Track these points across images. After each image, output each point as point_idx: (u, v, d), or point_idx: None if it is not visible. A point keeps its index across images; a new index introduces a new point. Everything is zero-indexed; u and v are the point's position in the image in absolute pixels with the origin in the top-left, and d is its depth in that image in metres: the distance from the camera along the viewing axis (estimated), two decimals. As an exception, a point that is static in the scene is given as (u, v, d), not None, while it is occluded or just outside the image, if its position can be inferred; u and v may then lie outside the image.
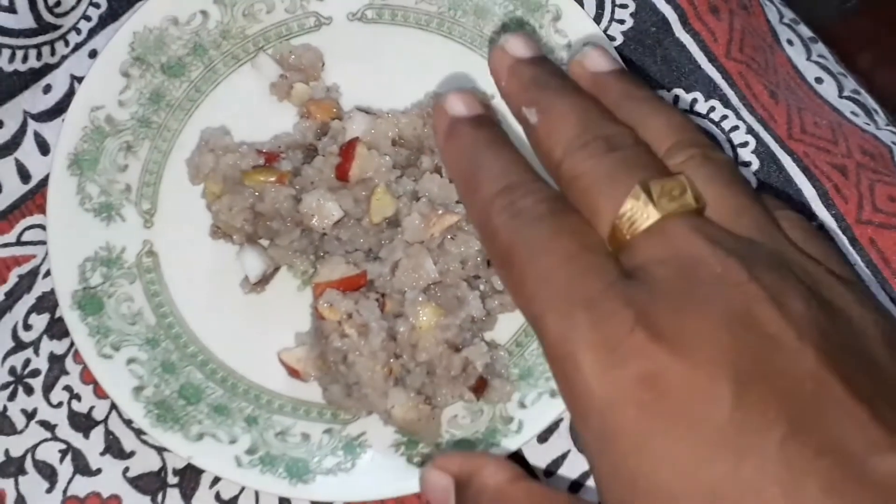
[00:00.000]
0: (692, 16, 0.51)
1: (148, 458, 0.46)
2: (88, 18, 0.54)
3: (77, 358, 0.47)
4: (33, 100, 0.52)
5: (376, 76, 0.51)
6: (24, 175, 0.51)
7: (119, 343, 0.45)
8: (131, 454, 0.46)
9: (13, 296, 0.49)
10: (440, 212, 0.43)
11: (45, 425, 0.47)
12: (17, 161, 0.51)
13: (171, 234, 0.49)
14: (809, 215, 0.47)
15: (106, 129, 0.49)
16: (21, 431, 0.47)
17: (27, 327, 0.48)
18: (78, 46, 0.53)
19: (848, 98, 0.51)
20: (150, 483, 0.45)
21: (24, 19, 0.53)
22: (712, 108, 0.49)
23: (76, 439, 0.46)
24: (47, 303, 0.48)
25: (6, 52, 0.52)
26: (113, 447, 0.46)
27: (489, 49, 0.40)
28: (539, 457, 0.44)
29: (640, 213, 0.25)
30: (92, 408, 0.47)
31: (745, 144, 0.49)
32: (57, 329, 0.48)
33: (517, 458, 0.44)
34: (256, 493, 0.45)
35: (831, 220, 0.47)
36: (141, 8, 0.50)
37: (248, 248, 0.47)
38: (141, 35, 0.50)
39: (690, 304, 0.23)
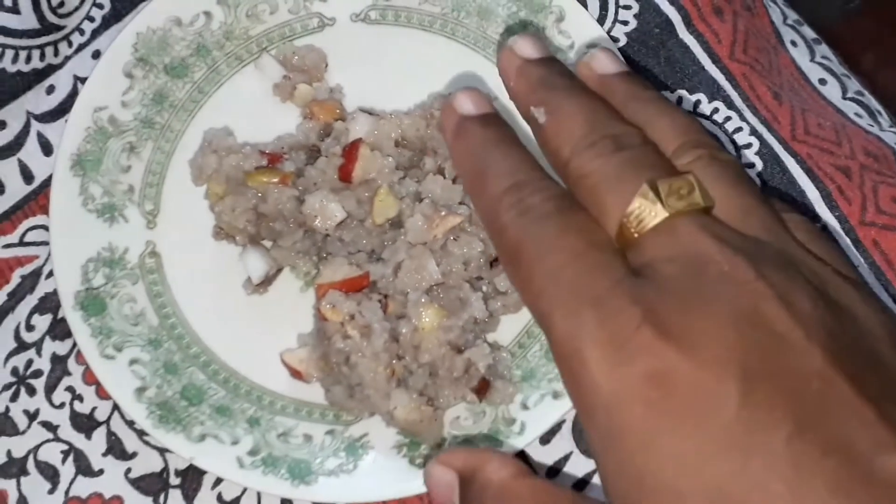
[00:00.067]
0: (696, 17, 0.51)
1: (150, 459, 0.46)
2: (92, 19, 0.54)
3: (79, 359, 0.47)
4: (36, 100, 0.52)
5: (379, 77, 0.51)
6: (27, 176, 0.51)
7: (121, 344, 0.45)
8: (133, 455, 0.46)
9: (16, 296, 0.49)
10: (443, 213, 0.43)
11: (48, 426, 0.47)
12: (20, 161, 0.51)
13: (174, 234, 0.49)
14: (813, 217, 0.47)
15: (109, 129, 0.49)
16: (23, 432, 0.47)
17: (30, 328, 0.48)
18: (81, 47, 0.53)
19: (851, 99, 0.51)
20: (152, 484, 0.45)
21: (27, 20, 0.53)
22: (716, 110, 0.50)
23: (78, 440, 0.46)
24: (50, 303, 0.48)
25: (9, 53, 0.52)
26: (115, 448, 0.46)
27: (498, 50, 0.40)
28: (541, 459, 0.44)
29: (648, 211, 0.25)
30: (94, 409, 0.47)
31: (748, 146, 0.49)
32: (59, 330, 0.48)
33: (520, 458, 0.44)
34: (258, 495, 0.45)
35: (835, 222, 0.47)
36: (144, 9, 0.51)
37: (250, 249, 0.47)
38: (144, 36, 0.50)
39: (698, 302, 0.23)
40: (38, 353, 0.48)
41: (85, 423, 0.47)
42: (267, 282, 0.47)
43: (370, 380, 0.42)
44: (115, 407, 0.46)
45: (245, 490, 0.45)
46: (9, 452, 0.46)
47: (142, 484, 0.45)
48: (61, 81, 0.52)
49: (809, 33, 0.53)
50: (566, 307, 0.24)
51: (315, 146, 0.48)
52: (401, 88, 0.50)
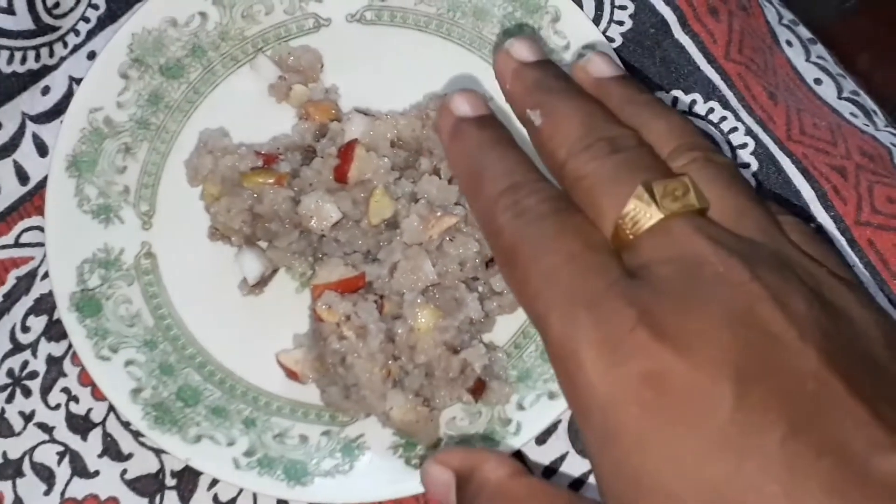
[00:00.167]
0: (691, 17, 0.51)
1: (146, 460, 0.46)
2: (87, 20, 0.54)
3: (75, 360, 0.47)
4: (32, 101, 0.52)
5: (375, 78, 0.51)
6: (22, 177, 0.51)
7: (117, 345, 0.45)
8: (129, 456, 0.46)
9: (11, 298, 0.49)
10: (439, 213, 0.43)
11: (43, 427, 0.46)
12: (15, 163, 0.51)
13: (170, 235, 0.48)
14: (808, 217, 0.47)
15: (104, 130, 0.49)
16: (19, 433, 0.46)
17: (25, 329, 0.48)
18: (76, 48, 0.53)
19: (847, 99, 0.51)
20: (148, 485, 0.45)
21: (22, 21, 0.53)
22: (711, 110, 0.50)
23: (74, 441, 0.46)
24: (45, 305, 0.48)
25: (5, 54, 0.52)
26: (111, 449, 0.46)
27: (494, 52, 0.40)
28: (538, 459, 0.44)
29: (644, 212, 0.25)
30: (90, 410, 0.47)
31: (744, 146, 0.49)
32: (55, 331, 0.48)
33: (517, 458, 0.44)
34: (254, 495, 0.45)
35: (830, 222, 0.47)
36: (139, 9, 0.50)
37: (246, 250, 0.47)
38: (139, 37, 0.50)
39: (693, 304, 0.23)
40: (34, 354, 0.48)
41: (81, 425, 0.46)
42: (263, 282, 0.47)
43: (366, 380, 0.42)
44: (111, 408, 0.46)
45: (241, 491, 0.45)
46: (4, 454, 0.46)
47: (138, 485, 0.45)
48: (57, 82, 0.52)
49: (805, 33, 0.53)
50: (562, 308, 0.24)
51: (311, 147, 0.48)
52: (396, 89, 0.50)
